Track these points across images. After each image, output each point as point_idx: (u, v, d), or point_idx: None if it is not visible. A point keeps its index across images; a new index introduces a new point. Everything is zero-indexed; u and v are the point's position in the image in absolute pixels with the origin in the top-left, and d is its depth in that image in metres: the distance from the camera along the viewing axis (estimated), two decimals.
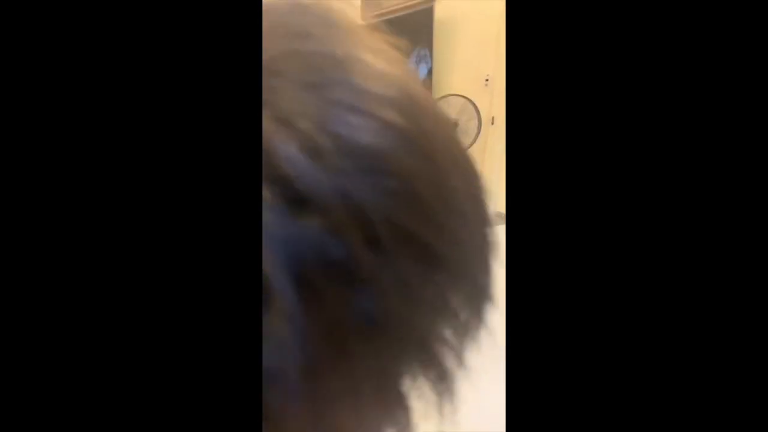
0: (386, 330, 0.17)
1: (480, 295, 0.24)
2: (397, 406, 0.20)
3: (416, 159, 0.17)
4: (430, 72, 3.06)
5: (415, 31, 3.07)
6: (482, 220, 0.23)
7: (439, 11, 2.95)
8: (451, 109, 2.80)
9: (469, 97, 2.74)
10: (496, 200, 2.94)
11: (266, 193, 0.18)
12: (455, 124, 2.76)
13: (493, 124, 2.77)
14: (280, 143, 0.17)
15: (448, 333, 0.21)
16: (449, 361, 0.21)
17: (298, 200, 0.16)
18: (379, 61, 0.19)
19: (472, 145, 2.77)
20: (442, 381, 0.21)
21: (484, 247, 0.24)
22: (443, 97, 2.86)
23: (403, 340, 0.18)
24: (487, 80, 2.76)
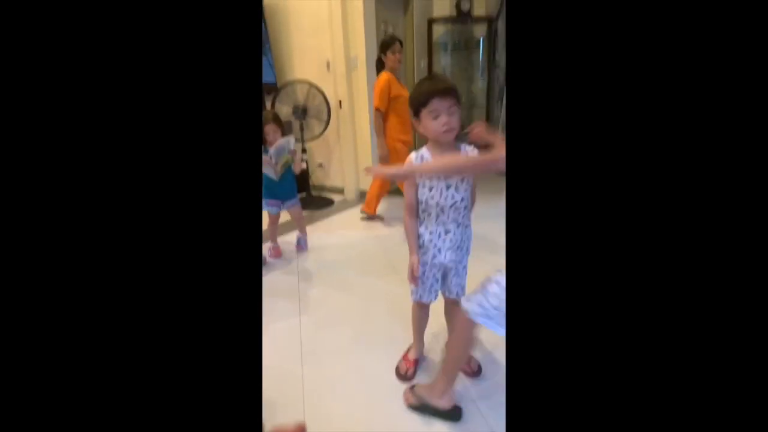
0: None
1: None
2: None
3: None
4: (271, 66, 2.97)
5: None
6: None
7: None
8: (298, 95, 2.80)
9: (314, 82, 2.78)
10: (357, 178, 3.12)
11: None
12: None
13: (341, 107, 2.89)
14: None
15: None
16: None
17: None
18: None
19: (325, 130, 2.84)
20: None
21: None
22: (289, 82, 2.83)
23: None
24: (328, 65, 2.85)
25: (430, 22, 3.53)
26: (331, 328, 1.47)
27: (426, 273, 1.09)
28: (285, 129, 1.96)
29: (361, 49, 2.75)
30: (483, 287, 0.88)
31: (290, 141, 1.87)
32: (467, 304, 0.90)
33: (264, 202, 2.00)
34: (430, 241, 1.06)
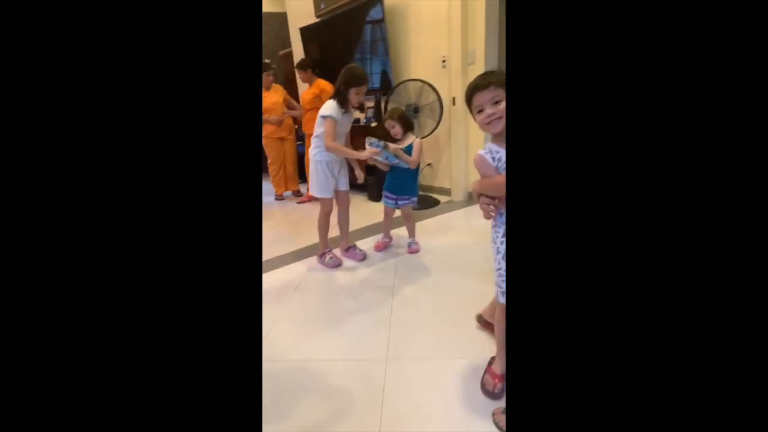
0: None
1: None
2: None
3: None
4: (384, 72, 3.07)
5: (367, 21, 3.07)
6: None
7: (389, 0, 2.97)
8: (411, 93, 2.81)
9: (428, 80, 2.75)
10: (466, 179, 2.98)
11: None
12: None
13: (454, 104, 2.79)
14: None
15: None
16: None
17: None
18: None
19: (436, 127, 2.79)
20: None
21: None
22: (402, 82, 2.87)
23: None
24: (444, 62, 2.79)
25: None
26: (420, 330, 1.41)
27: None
28: (407, 126, 1.98)
29: (481, 43, 2.60)
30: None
31: (371, 141, 1.89)
32: None
33: (384, 193, 2.10)
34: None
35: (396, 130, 1.96)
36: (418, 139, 1.96)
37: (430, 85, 2.73)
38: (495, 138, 0.99)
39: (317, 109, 3.03)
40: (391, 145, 1.91)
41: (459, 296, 1.61)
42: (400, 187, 2.02)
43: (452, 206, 2.87)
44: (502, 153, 0.97)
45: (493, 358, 1.15)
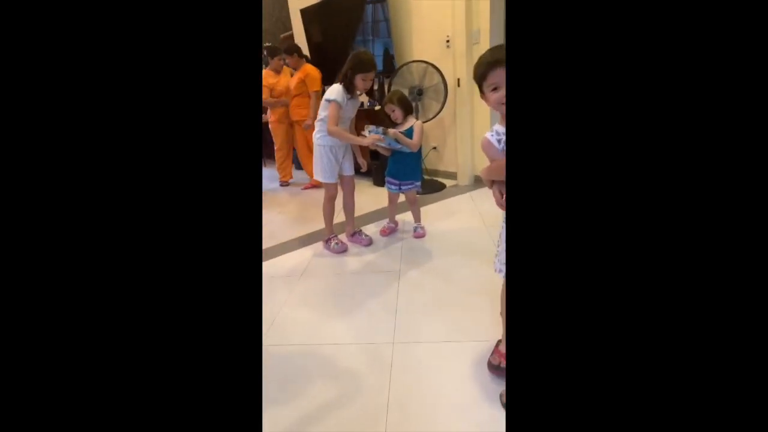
0: None
1: None
2: None
3: None
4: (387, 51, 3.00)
5: (368, 0, 2.99)
6: None
7: None
8: (414, 75, 2.76)
9: (432, 61, 2.69)
10: (472, 163, 2.95)
11: None
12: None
13: (459, 86, 2.74)
14: None
15: None
16: None
17: None
18: None
19: (441, 109, 2.74)
20: None
21: None
22: (405, 64, 2.81)
23: None
24: (448, 42, 2.72)
25: None
26: (427, 314, 1.42)
27: None
28: (407, 108, 1.95)
29: (485, 22, 2.53)
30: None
31: (370, 128, 1.87)
32: None
33: (386, 178, 2.09)
34: None
35: (396, 114, 1.93)
36: (418, 122, 1.93)
37: (434, 67, 2.67)
38: (503, 119, 0.96)
39: (304, 94, 3.01)
40: (391, 131, 1.88)
41: (465, 280, 1.61)
42: (402, 171, 2.00)
43: (458, 190, 2.85)
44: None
45: (500, 341, 1.15)
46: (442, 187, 2.93)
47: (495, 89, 0.91)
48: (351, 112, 1.89)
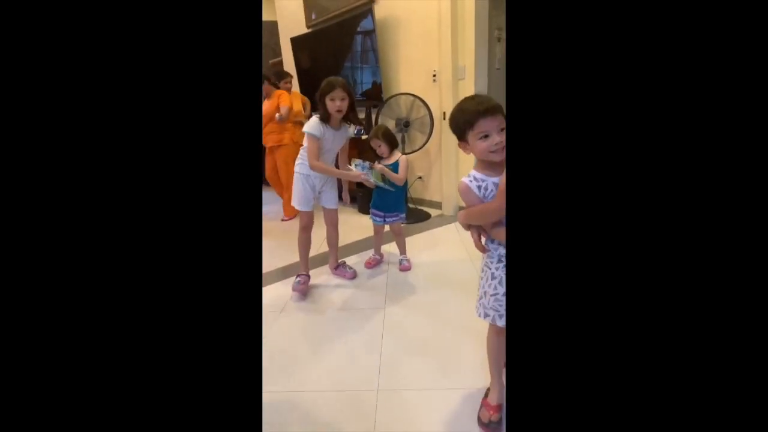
0: None
1: None
2: None
3: None
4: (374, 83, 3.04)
5: (358, 31, 3.05)
6: None
7: (380, 11, 2.95)
8: (402, 108, 2.79)
9: (419, 94, 2.74)
10: (456, 193, 2.96)
11: None
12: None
13: (445, 119, 2.79)
14: None
15: None
16: None
17: None
18: None
19: (427, 142, 2.77)
20: None
21: None
22: (393, 96, 2.85)
23: None
24: (434, 76, 2.78)
25: None
26: (412, 356, 1.36)
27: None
28: (392, 143, 1.95)
29: (470, 59, 2.61)
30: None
31: (356, 163, 1.87)
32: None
33: (371, 210, 2.06)
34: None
35: (382, 149, 1.92)
36: (403, 156, 1.93)
37: (421, 100, 2.72)
38: (483, 165, 0.95)
39: (274, 121, 2.97)
40: (377, 165, 1.87)
41: (452, 318, 1.57)
42: (387, 203, 1.98)
43: (443, 220, 2.85)
44: (488, 182, 0.94)
45: (488, 390, 1.11)
46: (428, 216, 2.93)
47: (485, 137, 0.90)
48: (336, 143, 1.81)
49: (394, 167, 1.90)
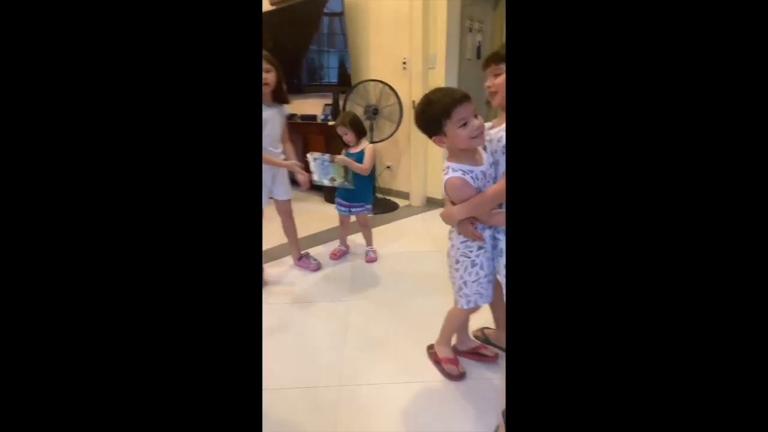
0: None
1: None
2: None
3: None
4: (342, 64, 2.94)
5: (325, 12, 2.92)
6: None
7: None
8: (371, 95, 2.72)
9: (389, 81, 2.68)
10: (424, 184, 2.96)
11: None
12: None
13: (414, 108, 2.75)
14: None
15: None
16: None
17: None
18: None
19: (396, 131, 2.73)
20: None
21: None
22: (362, 82, 2.77)
23: None
24: (404, 64, 2.73)
25: None
26: (377, 351, 1.34)
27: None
28: (360, 131, 1.87)
29: (441, 47, 2.57)
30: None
31: (315, 156, 1.80)
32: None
33: (336, 199, 1.99)
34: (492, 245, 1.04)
35: (348, 137, 1.84)
36: (370, 145, 1.86)
37: (391, 88, 2.66)
38: (461, 156, 0.94)
39: None
40: (338, 157, 1.80)
41: (418, 310, 1.57)
42: (352, 193, 1.92)
43: (411, 211, 2.84)
44: (476, 171, 0.93)
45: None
46: (395, 207, 2.91)
47: (464, 124, 0.89)
48: (271, 125, 1.63)
49: (360, 156, 1.85)
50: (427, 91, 0.95)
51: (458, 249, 1.03)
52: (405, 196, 3.04)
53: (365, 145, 1.87)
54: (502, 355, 1.26)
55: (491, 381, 1.19)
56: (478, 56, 3.24)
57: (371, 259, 2.02)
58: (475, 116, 0.89)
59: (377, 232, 2.38)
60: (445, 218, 1.00)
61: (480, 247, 1.00)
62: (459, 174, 0.92)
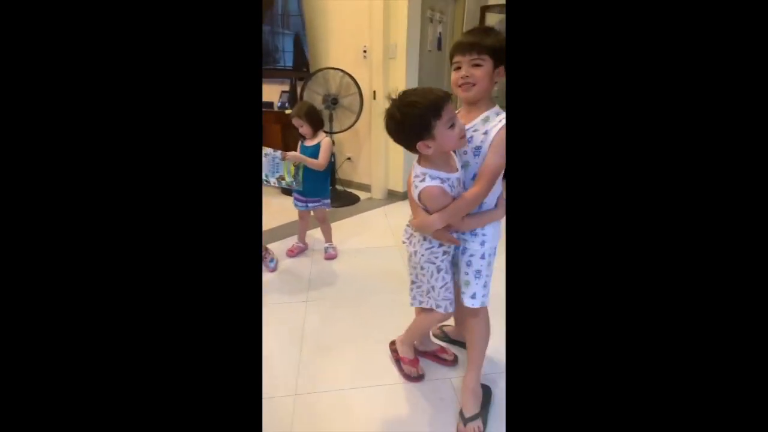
0: None
1: None
2: None
3: None
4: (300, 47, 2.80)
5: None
6: None
7: None
8: (330, 83, 2.62)
9: (349, 70, 2.59)
10: (386, 176, 2.93)
11: None
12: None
13: (375, 99, 2.68)
14: None
15: None
16: None
17: None
18: None
19: (356, 122, 2.65)
20: None
21: None
22: (321, 70, 2.65)
23: None
24: (365, 52, 2.64)
25: (483, 10, 3.22)
26: (335, 354, 1.31)
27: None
28: (316, 124, 1.79)
29: (402, 37, 2.51)
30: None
31: (266, 152, 1.74)
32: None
33: (293, 194, 1.90)
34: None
35: (304, 129, 1.76)
36: (327, 139, 1.78)
37: (351, 77, 2.57)
38: (436, 161, 0.88)
39: None
40: (290, 154, 1.72)
41: (377, 309, 1.54)
42: (309, 188, 1.83)
43: (372, 204, 2.80)
44: (452, 178, 0.88)
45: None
46: (356, 199, 2.86)
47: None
48: None
49: (316, 150, 1.77)
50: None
51: (422, 255, 0.98)
52: (366, 188, 2.99)
53: (322, 137, 1.79)
54: (462, 358, 1.26)
55: (450, 380, 1.19)
56: (439, 47, 3.22)
57: (330, 256, 1.96)
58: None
59: (337, 226, 2.32)
60: (420, 227, 0.93)
61: (445, 252, 0.97)
62: (437, 183, 0.86)
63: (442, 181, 0.86)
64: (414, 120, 0.82)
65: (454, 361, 1.26)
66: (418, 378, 1.18)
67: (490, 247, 0.97)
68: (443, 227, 0.91)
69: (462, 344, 1.28)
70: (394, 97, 0.86)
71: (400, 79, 2.57)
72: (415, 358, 1.22)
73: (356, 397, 1.13)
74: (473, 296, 0.99)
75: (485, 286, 0.99)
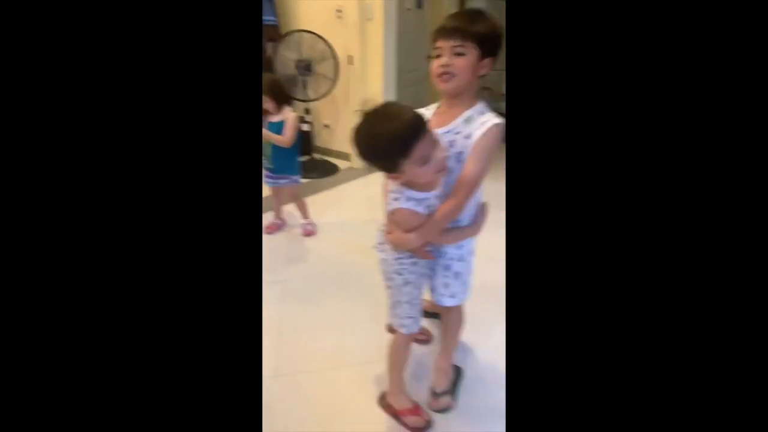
0: None
1: None
2: None
3: None
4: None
5: None
6: None
7: None
8: (303, 47, 2.46)
9: (321, 31, 2.43)
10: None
11: None
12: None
13: (352, 63, 2.55)
14: None
15: None
16: None
17: None
18: None
19: (332, 88, 2.54)
20: None
21: None
22: (289, 33, 2.48)
23: None
24: (339, 12, 2.47)
25: None
26: (316, 334, 1.34)
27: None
28: (281, 98, 1.69)
29: None
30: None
31: None
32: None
33: (263, 171, 1.82)
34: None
35: (268, 105, 1.66)
36: (293, 114, 1.69)
37: (325, 41, 2.42)
38: (408, 181, 0.78)
39: None
40: None
41: (355, 286, 1.57)
42: (276, 165, 1.77)
43: (352, 174, 2.75)
44: (431, 197, 0.79)
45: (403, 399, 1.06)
46: (335, 169, 2.80)
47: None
48: None
49: (281, 126, 1.68)
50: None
51: (391, 264, 0.90)
52: (345, 156, 2.93)
53: (287, 114, 1.70)
54: (436, 333, 1.31)
55: (420, 357, 1.25)
56: (419, 5, 3.03)
57: (309, 233, 1.95)
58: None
59: (315, 199, 2.29)
60: (397, 245, 0.86)
61: (414, 263, 0.89)
62: (411, 205, 0.78)
63: (418, 202, 0.79)
64: (377, 153, 0.74)
65: (428, 340, 1.30)
66: (427, 427, 1.03)
67: (467, 250, 0.94)
68: (422, 247, 0.85)
69: (437, 316, 1.30)
70: (364, 110, 0.75)
71: (378, 42, 2.43)
72: (415, 405, 1.05)
73: (339, 376, 1.18)
74: (452, 296, 0.98)
75: (464, 283, 0.98)
